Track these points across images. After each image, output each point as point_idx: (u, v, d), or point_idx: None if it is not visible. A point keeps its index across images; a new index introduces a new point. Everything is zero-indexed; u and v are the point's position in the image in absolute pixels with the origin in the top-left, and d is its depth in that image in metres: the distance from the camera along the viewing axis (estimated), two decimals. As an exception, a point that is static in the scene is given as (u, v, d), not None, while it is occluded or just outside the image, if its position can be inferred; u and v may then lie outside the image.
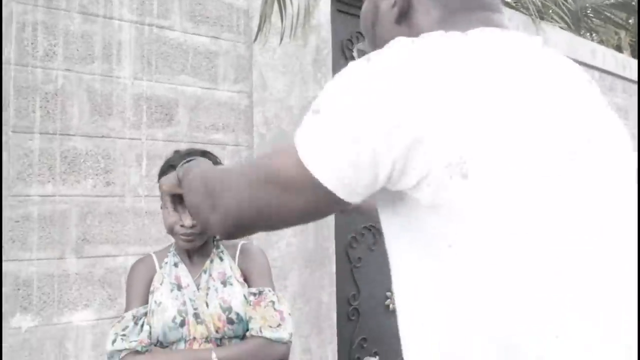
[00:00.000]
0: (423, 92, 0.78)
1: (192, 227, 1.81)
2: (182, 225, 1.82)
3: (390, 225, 0.93)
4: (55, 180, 2.62)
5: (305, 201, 0.86)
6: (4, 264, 2.48)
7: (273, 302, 1.85)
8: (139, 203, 2.82)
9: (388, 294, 3.97)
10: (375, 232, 3.92)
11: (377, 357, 3.87)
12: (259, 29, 2.92)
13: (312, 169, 0.82)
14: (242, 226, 0.96)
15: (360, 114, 0.79)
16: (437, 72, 0.79)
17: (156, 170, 2.86)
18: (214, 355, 1.75)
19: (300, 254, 3.31)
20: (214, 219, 0.99)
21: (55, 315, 2.58)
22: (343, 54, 3.82)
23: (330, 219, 3.48)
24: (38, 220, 2.57)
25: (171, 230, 1.86)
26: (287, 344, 1.84)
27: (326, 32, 3.58)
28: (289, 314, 1.88)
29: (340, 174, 0.81)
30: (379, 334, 3.90)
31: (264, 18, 2.92)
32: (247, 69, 3.23)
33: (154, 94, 2.90)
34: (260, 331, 1.80)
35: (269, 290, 1.88)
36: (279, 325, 1.82)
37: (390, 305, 3.98)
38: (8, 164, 2.52)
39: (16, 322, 2.49)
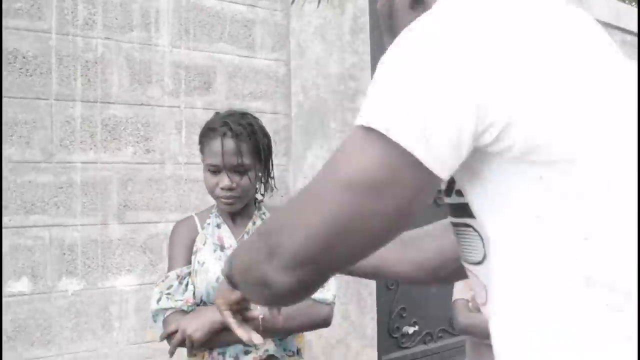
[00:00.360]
0: (495, 47, 0.71)
1: (231, 189, 1.81)
2: (222, 188, 1.82)
3: (476, 198, 0.79)
4: (96, 147, 2.65)
5: (401, 197, 0.69)
6: (50, 228, 2.53)
7: None
8: (179, 170, 2.84)
9: (427, 264, 3.94)
10: (413, 201, 3.88)
11: (417, 327, 3.86)
12: (296, -7, 2.90)
13: (410, 147, 0.67)
14: (313, 267, 0.74)
15: (438, 78, 0.69)
16: (501, 29, 0.72)
17: (195, 137, 2.87)
18: (259, 309, 1.76)
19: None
20: (274, 269, 0.76)
21: (100, 279, 2.63)
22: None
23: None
24: (81, 187, 2.61)
25: (212, 193, 1.87)
26: (330, 305, 1.83)
27: (363, -1, 3.54)
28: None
29: (435, 147, 0.68)
30: (418, 304, 3.88)
31: (300, -17, 2.89)
32: (285, 37, 3.22)
33: (192, 62, 2.91)
34: None
35: None
36: (323, 286, 1.82)
37: (430, 276, 3.94)
38: (51, 131, 2.56)
39: (63, 285, 2.54)
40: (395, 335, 3.77)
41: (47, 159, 2.55)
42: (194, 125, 2.87)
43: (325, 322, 1.84)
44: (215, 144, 1.81)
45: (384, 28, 1.00)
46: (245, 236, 1.89)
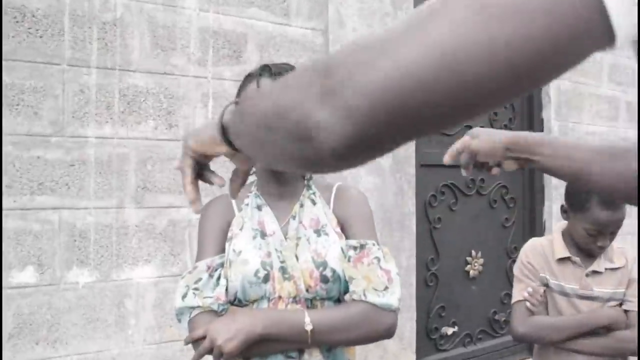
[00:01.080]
0: None
1: None
2: None
3: None
4: (113, 120, 2.34)
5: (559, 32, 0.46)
6: (60, 211, 2.23)
7: (378, 259, 1.50)
8: (205, 149, 2.53)
9: (468, 259, 3.63)
10: (456, 190, 3.57)
11: (456, 328, 3.55)
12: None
13: None
14: (391, 114, 0.49)
15: None
16: None
17: (223, 113, 2.57)
18: (307, 319, 1.43)
19: (378, 211, 2.98)
20: (329, 110, 0.52)
21: (114, 270, 2.32)
22: (423, -7, 3.44)
23: (411, 174, 3.14)
24: (95, 165, 2.30)
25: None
26: (395, 311, 1.49)
27: (408, -35, 3.21)
28: (397, 274, 1.53)
29: None
30: (458, 303, 3.57)
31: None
32: (323, 4, 2.89)
33: (221, 28, 2.59)
34: (364, 295, 1.45)
35: (373, 244, 1.53)
36: (386, 288, 1.47)
37: (471, 272, 3.64)
38: (63, 101, 2.25)
39: (73, 276, 2.23)
40: (434, 337, 3.45)
41: (57, 132, 2.24)
42: (221, 97, 2.55)
43: (388, 333, 1.50)
44: (252, 87, 1.51)
45: None
46: (292, 221, 1.56)
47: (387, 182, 3.03)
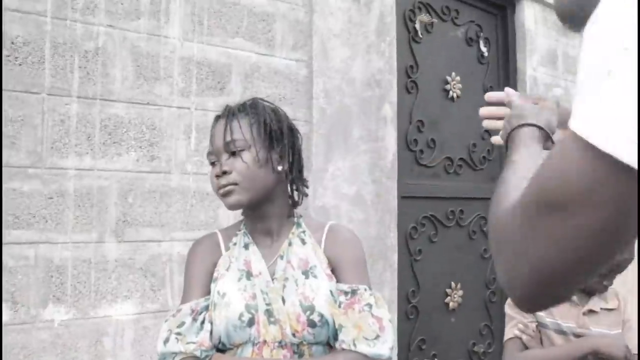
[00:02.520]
0: None
1: (225, 173, 1.44)
2: (216, 176, 1.47)
3: None
4: (94, 152, 2.28)
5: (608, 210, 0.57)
6: (36, 245, 2.15)
7: (370, 306, 1.46)
8: (187, 181, 2.47)
9: (448, 290, 3.61)
10: (436, 222, 3.55)
11: (436, 361, 3.51)
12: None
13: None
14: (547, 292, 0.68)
15: None
16: None
17: (206, 143, 2.51)
18: None
19: (360, 244, 2.95)
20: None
21: (92, 307, 2.24)
22: (405, 24, 3.45)
23: (393, 205, 3.12)
24: (74, 197, 2.23)
25: (214, 190, 1.52)
26: None
27: (391, -3, 3.21)
28: (390, 321, 1.49)
29: None
30: (438, 335, 3.54)
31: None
32: (307, 35, 2.87)
33: (205, 58, 2.55)
34: (354, 344, 1.42)
35: (365, 289, 1.49)
36: (377, 336, 1.43)
37: (450, 304, 3.61)
38: (42, 131, 2.18)
39: (48, 314, 2.15)
40: (414, 371, 3.41)
41: (35, 163, 2.16)
42: (204, 129, 2.50)
43: None
44: (211, 131, 1.54)
45: None
46: (279, 260, 1.52)
47: (369, 214, 3.00)
